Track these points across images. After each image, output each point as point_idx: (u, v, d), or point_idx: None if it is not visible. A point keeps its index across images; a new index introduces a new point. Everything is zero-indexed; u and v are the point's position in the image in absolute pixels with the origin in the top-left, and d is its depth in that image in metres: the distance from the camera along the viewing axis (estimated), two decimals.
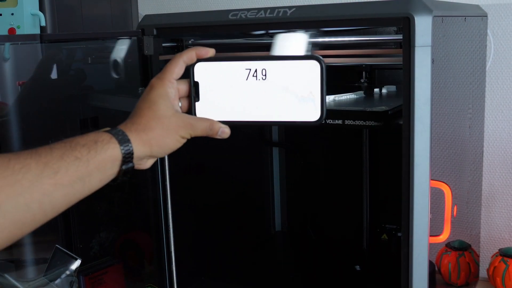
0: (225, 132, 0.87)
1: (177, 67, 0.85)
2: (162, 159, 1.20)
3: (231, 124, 0.86)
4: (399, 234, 1.06)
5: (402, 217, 0.95)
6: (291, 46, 1.01)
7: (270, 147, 1.60)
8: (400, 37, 0.93)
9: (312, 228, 1.58)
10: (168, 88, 0.84)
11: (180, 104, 0.87)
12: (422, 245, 0.95)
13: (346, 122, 1.03)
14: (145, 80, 1.18)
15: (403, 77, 0.91)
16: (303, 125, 0.84)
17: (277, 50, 1.00)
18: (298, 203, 1.61)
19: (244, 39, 1.34)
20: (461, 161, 1.19)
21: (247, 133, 1.50)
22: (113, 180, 0.81)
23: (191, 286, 1.31)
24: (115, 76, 1.19)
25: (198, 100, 0.87)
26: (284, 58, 0.85)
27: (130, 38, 1.22)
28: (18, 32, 1.30)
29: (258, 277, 1.37)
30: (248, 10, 1.07)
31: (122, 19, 1.57)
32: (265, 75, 0.84)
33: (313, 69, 0.82)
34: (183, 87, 0.87)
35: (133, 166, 0.81)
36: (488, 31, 1.32)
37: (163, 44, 1.24)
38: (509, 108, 1.39)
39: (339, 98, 1.14)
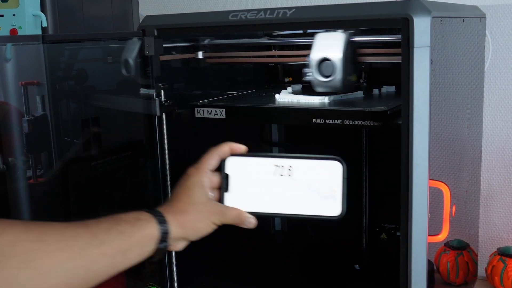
0: (252, 222, 0.93)
1: (212, 159, 0.93)
2: (163, 159, 1.21)
3: (257, 215, 0.92)
4: (398, 234, 1.06)
5: (401, 217, 0.96)
6: (330, 44, 1.06)
7: (270, 146, 1.61)
8: (399, 37, 0.93)
9: (312, 227, 1.58)
10: (203, 177, 0.92)
11: (211, 194, 0.93)
12: (421, 244, 0.96)
13: (346, 122, 1.03)
14: (146, 80, 1.19)
15: (402, 77, 0.92)
16: (324, 219, 0.90)
17: (316, 49, 1.06)
18: None
19: (257, 39, 1.35)
20: (460, 161, 1.20)
21: (248, 133, 1.50)
22: (149, 258, 0.87)
23: (191, 284, 1.32)
24: (125, 74, 1.22)
25: (227, 191, 0.93)
26: (309, 157, 0.90)
27: (131, 39, 1.23)
28: (19, 32, 1.30)
29: (258, 276, 1.37)
30: (248, 11, 1.08)
31: (123, 20, 1.57)
32: (291, 172, 0.90)
33: (335, 168, 0.89)
34: (216, 178, 0.93)
35: (167, 246, 0.88)
36: (487, 32, 1.32)
37: (180, 45, 1.27)
38: (507, 109, 1.40)
39: (339, 98, 1.14)
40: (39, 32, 1.33)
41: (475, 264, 1.27)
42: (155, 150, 1.21)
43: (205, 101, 1.19)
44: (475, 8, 1.26)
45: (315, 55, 1.09)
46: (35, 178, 1.32)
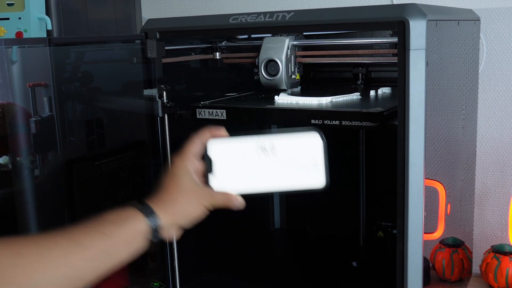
0: (240, 203, 0.93)
1: (194, 145, 0.91)
2: (165, 158, 1.22)
3: (245, 195, 0.92)
4: (395, 231, 1.07)
5: (398, 215, 0.97)
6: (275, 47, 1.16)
7: None
8: (395, 40, 0.94)
9: (311, 225, 1.59)
10: (188, 163, 0.90)
11: (198, 179, 0.91)
12: (417, 242, 0.97)
13: (343, 122, 1.04)
14: (148, 81, 1.20)
15: (398, 79, 0.93)
16: (310, 191, 0.90)
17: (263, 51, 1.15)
18: (297, 201, 1.63)
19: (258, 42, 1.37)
20: (455, 160, 1.21)
21: (248, 134, 1.51)
22: (145, 252, 0.86)
23: (192, 281, 1.33)
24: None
25: (212, 173, 0.92)
26: (288, 131, 0.90)
27: (134, 41, 1.24)
28: (25, 35, 1.32)
29: (258, 273, 1.38)
30: (248, 14, 1.09)
31: (126, 23, 1.59)
32: (273, 149, 0.90)
33: (314, 140, 0.88)
34: (200, 163, 0.92)
35: (161, 238, 0.86)
36: (481, 34, 1.33)
37: (182, 47, 1.30)
38: (501, 109, 1.40)
39: (336, 100, 1.15)
40: (44, 35, 1.34)
41: (470, 261, 1.27)
42: (158, 150, 1.22)
43: (206, 102, 1.21)
44: (470, 11, 1.27)
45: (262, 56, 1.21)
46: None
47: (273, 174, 0.91)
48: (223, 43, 1.37)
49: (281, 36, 1.23)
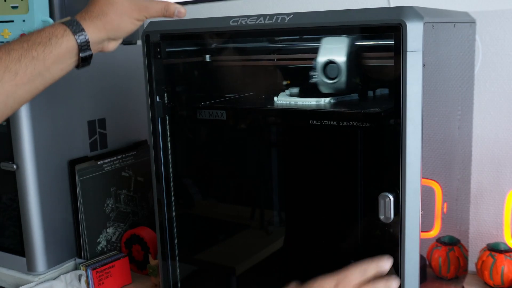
0: (181, 12, 0.93)
1: None
2: (166, 158, 1.23)
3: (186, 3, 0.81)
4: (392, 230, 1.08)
5: (395, 214, 0.98)
6: (334, 48, 1.09)
7: (269, 147, 1.63)
8: (392, 41, 0.95)
9: (309, 224, 1.60)
10: None
11: None
12: (413, 240, 0.98)
13: (341, 123, 1.06)
14: (149, 84, 1.21)
15: (396, 80, 0.94)
16: None
17: (321, 52, 1.09)
18: (296, 201, 1.63)
19: (258, 43, 1.37)
20: (451, 160, 1.21)
21: (247, 134, 1.52)
22: (76, 67, 0.87)
23: (192, 281, 1.34)
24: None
25: None
26: None
27: (135, 43, 1.25)
28: None
29: (257, 271, 1.40)
30: (248, 16, 1.10)
31: None
32: None
33: None
34: None
35: (91, 53, 0.87)
36: (477, 36, 1.34)
37: (183, 49, 1.30)
38: (496, 110, 1.41)
39: (335, 101, 1.17)
40: None
41: (466, 259, 1.28)
42: (159, 149, 1.23)
43: (207, 103, 1.22)
44: (466, 14, 1.27)
45: (321, 58, 1.13)
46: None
47: None
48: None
49: None
